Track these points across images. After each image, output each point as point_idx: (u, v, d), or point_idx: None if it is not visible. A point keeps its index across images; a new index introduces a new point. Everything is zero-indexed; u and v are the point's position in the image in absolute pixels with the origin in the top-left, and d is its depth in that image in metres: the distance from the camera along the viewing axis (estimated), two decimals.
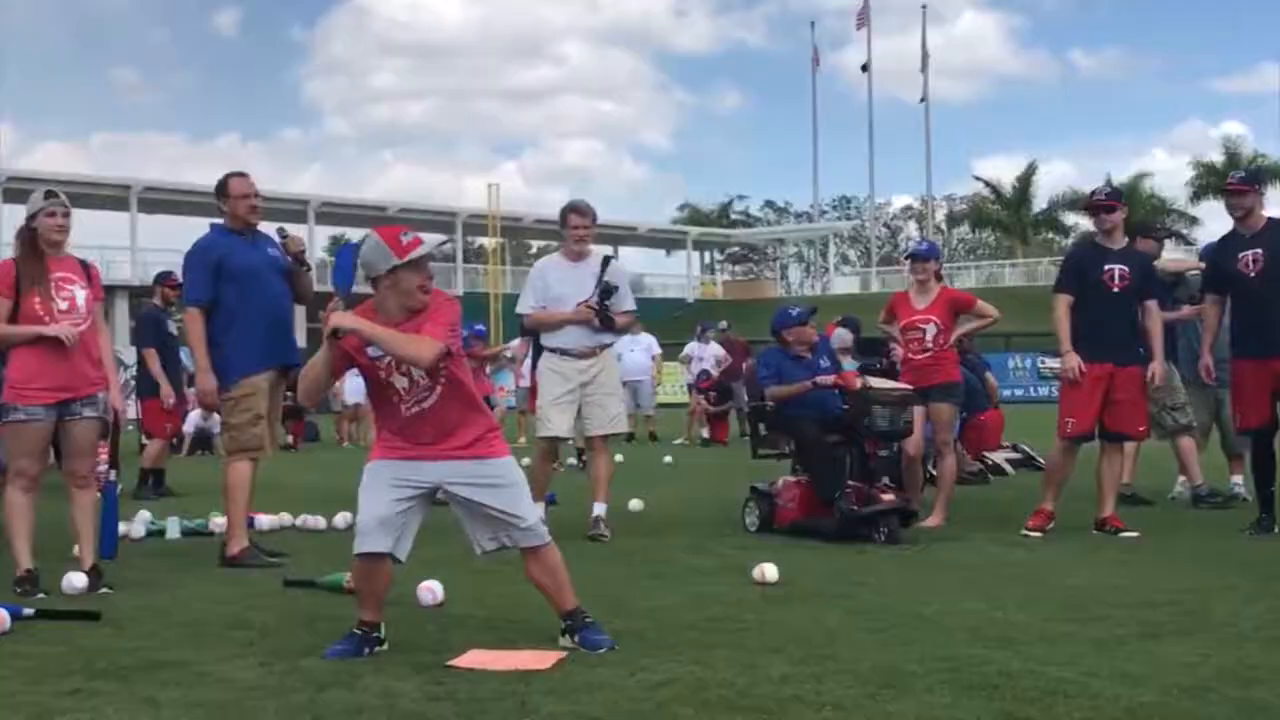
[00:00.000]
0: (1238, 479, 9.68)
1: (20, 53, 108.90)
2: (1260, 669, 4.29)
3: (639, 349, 19.74)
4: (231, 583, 6.42)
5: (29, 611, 5.43)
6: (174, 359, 11.80)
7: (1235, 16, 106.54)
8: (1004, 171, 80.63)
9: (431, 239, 4.79)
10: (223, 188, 7.34)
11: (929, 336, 8.54)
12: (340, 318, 4.56)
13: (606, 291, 8.15)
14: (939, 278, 8.90)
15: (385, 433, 4.83)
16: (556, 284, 8.25)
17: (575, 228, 8.32)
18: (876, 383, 8.21)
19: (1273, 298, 7.73)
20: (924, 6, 68.84)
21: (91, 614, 5.44)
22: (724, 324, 21.29)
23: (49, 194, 6.36)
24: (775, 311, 8.89)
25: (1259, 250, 7.84)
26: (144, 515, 8.75)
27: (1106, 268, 7.93)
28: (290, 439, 19.20)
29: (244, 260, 7.19)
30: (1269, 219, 7.99)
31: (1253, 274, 7.83)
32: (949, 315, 8.64)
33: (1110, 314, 7.90)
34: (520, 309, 8.45)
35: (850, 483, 7.87)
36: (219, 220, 7.42)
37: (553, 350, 8.26)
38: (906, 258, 10.45)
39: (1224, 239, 8.27)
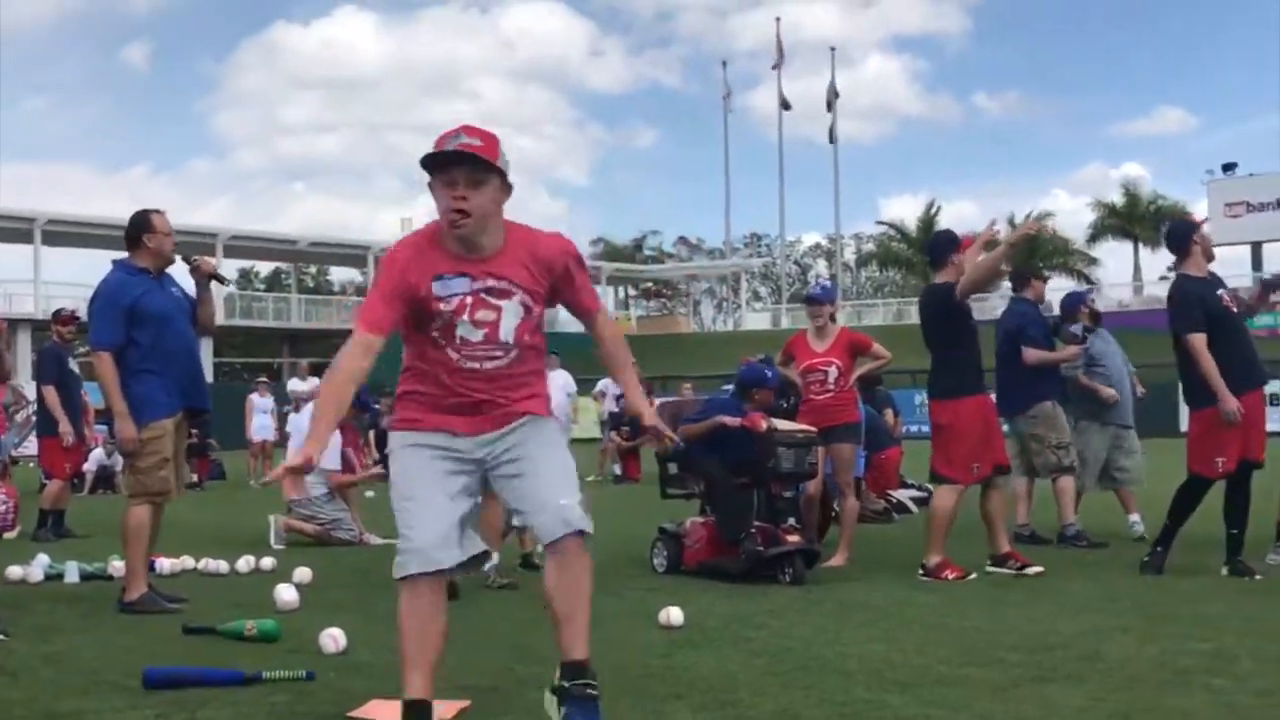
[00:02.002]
0: (1135, 517, 9.84)
1: None
2: (1152, 712, 4.39)
3: (555, 388, 19.61)
4: (130, 629, 6.31)
5: None
6: (74, 396, 11.56)
7: (1136, 61, 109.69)
8: (909, 210, 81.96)
9: None
10: (146, 224, 7.12)
11: (831, 379, 8.64)
12: None
13: None
14: (833, 319, 8.99)
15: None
16: None
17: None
18: (781, 424, 8.29)
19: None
20: (833, 49, 70.07)
21: None
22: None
23: None
24: (747, 368, 8.83)
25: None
26: (42, 559, 8.55)
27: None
28: (195, 477, 18.92)
29: (158, 302, 7.03)
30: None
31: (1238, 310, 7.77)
32: (849, 357, 8.75)
33: None
34: None
35: (756, 523, 7.95)
36: (122, 256, 7.24)
37: None
38: (803, 301, 10.56)
39: (1199, 280, 7.78)
